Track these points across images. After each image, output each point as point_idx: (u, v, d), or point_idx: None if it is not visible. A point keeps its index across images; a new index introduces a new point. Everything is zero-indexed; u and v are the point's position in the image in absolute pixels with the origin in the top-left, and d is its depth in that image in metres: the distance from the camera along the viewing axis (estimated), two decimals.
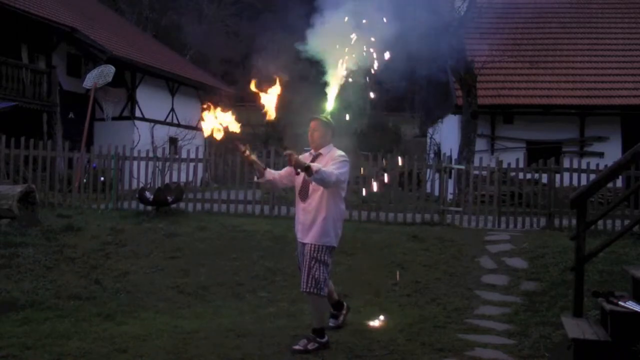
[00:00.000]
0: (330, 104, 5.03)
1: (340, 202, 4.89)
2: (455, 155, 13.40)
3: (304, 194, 4.88)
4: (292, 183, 5.06)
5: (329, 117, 4.98)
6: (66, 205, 10.89)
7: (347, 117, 5.33)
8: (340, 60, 5.04)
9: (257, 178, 5.02)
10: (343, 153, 4.89)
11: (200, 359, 4.53)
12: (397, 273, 7.38)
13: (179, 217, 9.82)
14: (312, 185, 4.80)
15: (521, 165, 11.50)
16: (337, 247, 4.95)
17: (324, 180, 4.58)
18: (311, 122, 4.97)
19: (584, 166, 10.98)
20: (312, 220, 4.78)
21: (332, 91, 5.01)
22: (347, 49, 5.07)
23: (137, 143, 17.51)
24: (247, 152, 4.80)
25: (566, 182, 10.76)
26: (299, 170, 4.59)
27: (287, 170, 5.08)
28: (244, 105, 33.50)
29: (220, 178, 12.15)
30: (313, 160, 4.88)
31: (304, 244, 4.85)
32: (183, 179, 11.63)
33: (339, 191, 4.87)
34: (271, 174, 5.07)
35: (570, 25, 19.56)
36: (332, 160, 4.78)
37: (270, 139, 28.73)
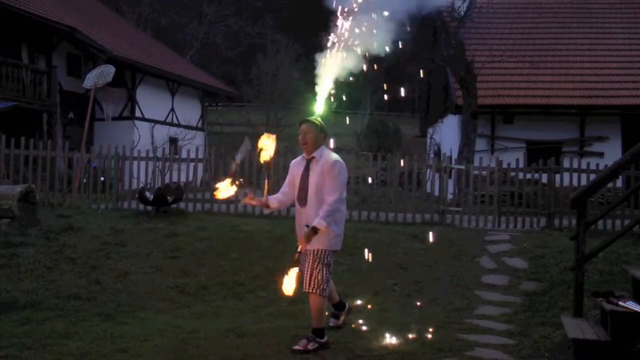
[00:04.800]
0: (320, 106, 4.92)
1: (341, 204, 4.85)
2: (455, 155, 13.40)
3: (303, 199, 4.84)
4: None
5: (319, 119, 4.90)
6: (66, 205, 10.88)
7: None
8: (332, 61, 4.92)
9: (264, 211, 5.05)
10: (336, 157, 4.84)
11: (200, 359, 4.53)
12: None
13: (179, 217, 9.82)
14: (311, 190, 4.79)
15: (521, 165, 11.50)
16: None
17: (333, 216, 4.69)
18: (302, 126, 4.89)
19: (584, 166, 10.97)
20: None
21: (321, 93, 4.90)
22: (340, 49, 4.98)
23: (137, 143, 17.50)
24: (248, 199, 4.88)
25: (566, 182, 10.75)
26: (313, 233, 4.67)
27: (288, 185, 5.02)
28: (244, 105, 33.61)
29: (220, 178, 12.13)
30: (307, 165, 4.86)
31: (306, 249, 4.82)
32: (183, 179, 11.62)
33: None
34: (275, 200, 5.04)
35: (570, 25, 19.56)
36: (327, 172, 4.72)
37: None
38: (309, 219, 4.74)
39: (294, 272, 4.76)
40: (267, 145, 4.87)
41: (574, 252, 5.12)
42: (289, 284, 4.73)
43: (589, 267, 6.14)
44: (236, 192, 4.90)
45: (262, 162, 4.95)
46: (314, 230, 4.62)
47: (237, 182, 4.84)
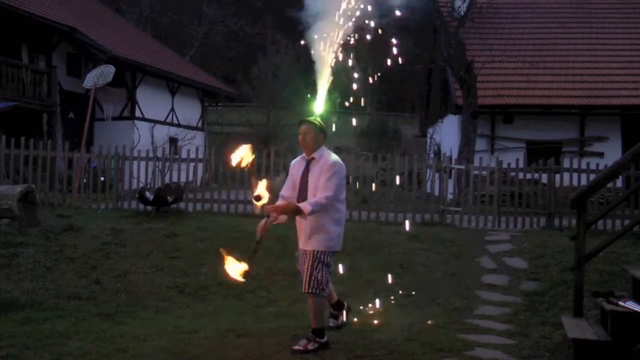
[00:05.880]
0: (319, 106, 4.89)
1: (341, 204, 4.84)
2: (455, 155, 13.41)
3: (302, 199, 4.80)
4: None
5: (319, 119, 4.87)
6: (66, 205, 10.88)
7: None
8: (330, 59, 4.89)
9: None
10: (336, 158, 4.81)
11: (200, 359, 4.53)
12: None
13: (179, 217, 9.82)
14: (310, 190, 4.76)
15: (521, 165, 11.50)
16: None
17: (320, 209, 4.63)
18: (302, 126, 4.86)
19: (584, 166, 10.97)
20: (314, 227, 4.71)
21: (321, 92, 4.87)
22: (338, 48, 4.96)
23: (137, 143, 17.50)
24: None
25: (566, 182, 10.75)
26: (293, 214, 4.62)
27: (289, 188, 4.96)
28: (244, 105, 33.63)
29: (220, 178, 12.15)
30: (307, 166, 4.84)
31: (305, 250, 4.80)
32: (183, 179, 11.62)
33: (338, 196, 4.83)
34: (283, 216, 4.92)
35: (570, 25, 19.58)
36: (325, 172, 4.70)
37: (270, 138, 28.76)
38: (310, 221, 4.72)
39: (246, 261, 4.68)
40: (245, 155, 4.79)
41: (574, 252, 5.12)
42: (236, 269, 4.67)
43: (589, 267, 6.14)
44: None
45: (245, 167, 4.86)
46: (296, 210, 4.58)
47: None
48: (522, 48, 18.38)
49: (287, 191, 4.98)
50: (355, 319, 5.60)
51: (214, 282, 7.11)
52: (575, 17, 20.01)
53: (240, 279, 4.68)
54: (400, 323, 5.62)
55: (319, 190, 4.70)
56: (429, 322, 5.71)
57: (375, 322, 5.64)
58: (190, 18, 35.50)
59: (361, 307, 6.18)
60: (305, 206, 4.58)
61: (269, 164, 11.01)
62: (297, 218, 4.89)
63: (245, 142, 4.82)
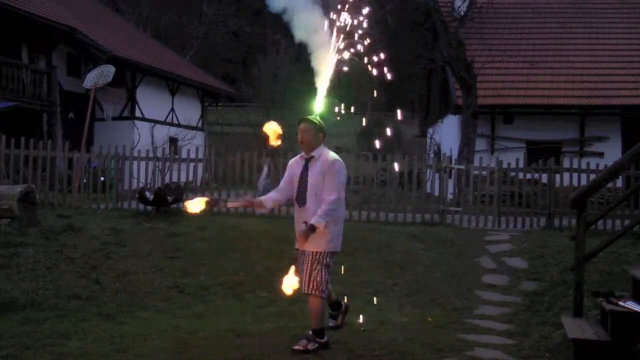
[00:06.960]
0: (319, 105, 4.89)
1: (340, 204, 4.82)
2: (455, 155, 13.40)
3: (302, 199, 4.81)
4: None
5: (318, 118, 4.86)
6: (66, 205, 10.88)
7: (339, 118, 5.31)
8: (329, 58, 4.89)
9: (259, 211, 5.01)
10: (336, 156, 4.80)
11: (200, 359, 4.53)
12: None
13: (179, 217, 9.82)
14: (310, 189, 4.76)
15: (521, 165, 11.50)
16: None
17: (332, 217, 4.65)
18: (301, 124, 4.85)
19: (584, 166, 10.97)
20: None
21: (320, 91, 4.87)
22: (337, 47, 4.96)
23: (137, 143, 17.49)
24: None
25: (566, 182, 10.75)
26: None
27: (285, 182, 4.97)
28: (244, 105, 33.61)
29: (220, 178, 12.15)
30: (306, 165, 4.83)
31: (304, 251, 4.78)
32: (183, 179, 11.62)
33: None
34: (271, 200, 4.95)
35: (570, 25, 19.55)
36: (327, 171, 4.69)
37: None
38: (308, 218, 4.71)
39: (292, 270, 4.74)
40: (272, 131, 4.85)
41: (574, 252, 5.12)
42: (288, 283, 4.72)
43: (589, 267, 6.14)
44: (210, 203, 4.88)
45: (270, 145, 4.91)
46: (312, 228, 4.59)
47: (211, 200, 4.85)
48: (522, 48, 18.38)
49: (283, 188, 4.97)
50: (355, 319, 5.60)
51: (214, 282, 7.12)
52: (575, 17, 20.00)
53: (290, 292, 4.75)
54: (400, 323, 5.62)
55: (323, 191, 4.69)
56: (429, 322, 5.71)
57: (375, 322, 5.64)
58: (190, 18, 35.46)
59: (361, 307, 6.17)
60: (318, 221, 4.58)
61: (269, 165, 11.00)
62: (297, 218, 4.89)
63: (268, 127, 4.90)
